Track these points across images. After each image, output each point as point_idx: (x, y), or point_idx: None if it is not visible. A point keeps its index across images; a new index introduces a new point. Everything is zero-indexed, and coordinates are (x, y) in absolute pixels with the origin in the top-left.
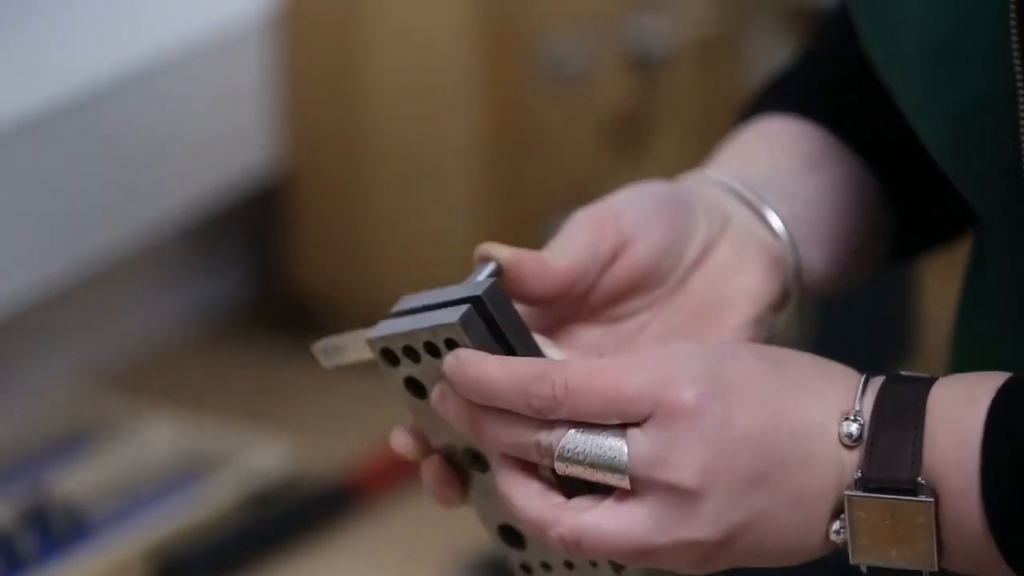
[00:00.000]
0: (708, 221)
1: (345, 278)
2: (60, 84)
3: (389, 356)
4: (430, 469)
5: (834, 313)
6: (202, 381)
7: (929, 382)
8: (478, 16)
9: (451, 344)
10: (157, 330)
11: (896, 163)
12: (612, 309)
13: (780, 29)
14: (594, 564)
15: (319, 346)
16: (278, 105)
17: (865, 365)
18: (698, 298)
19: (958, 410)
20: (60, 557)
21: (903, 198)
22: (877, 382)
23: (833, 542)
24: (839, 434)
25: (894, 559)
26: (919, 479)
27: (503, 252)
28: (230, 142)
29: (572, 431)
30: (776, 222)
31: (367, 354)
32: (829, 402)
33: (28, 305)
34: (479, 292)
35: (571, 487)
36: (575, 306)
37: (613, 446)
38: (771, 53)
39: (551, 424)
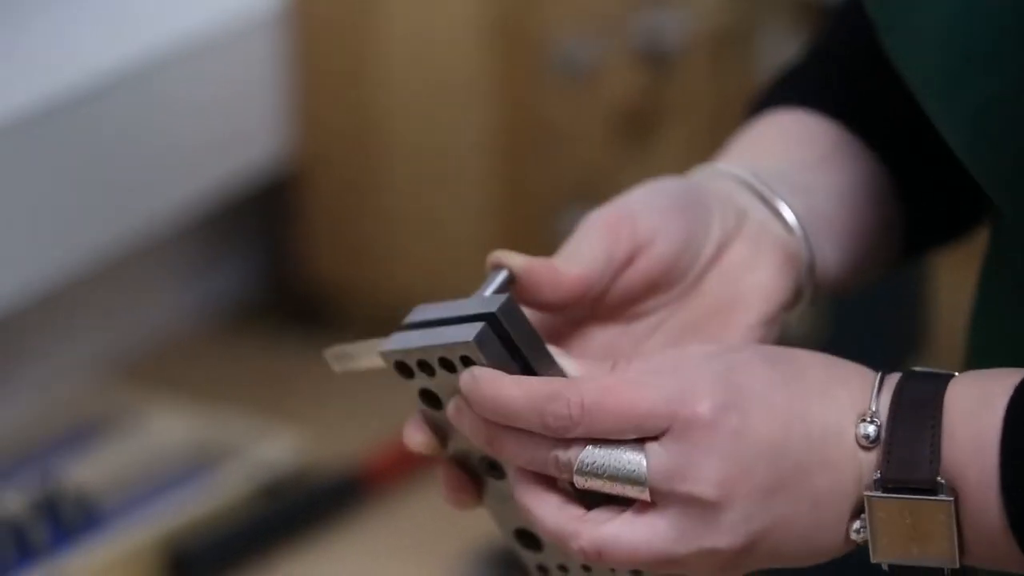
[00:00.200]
0: (723, 218)
1: (356, 271)
2: (74, 76)
3: (403, 369)
4: (445, 473)
5: (846, 308)
6: (213, 373)
7: (945, 379)
8: (490, 11)
9: (466, 361)
10: (169, 322)
11: (909, 157)
12: (627, 309)
13: (791, 23)
14: (612, 568)
15: (331, 352)
16: (290, 98)
17: (877, 360)
18: (712, 297)
19: (975, 408)
20: (71, 547)
21: (915, 193)
22: (893, 380)
23: (854, 541)
24: (856, 435)
25: (915, 557)
26: (938, 478)
27: (515, 260)
28: (242, 135)
29: (590, 446)
30: (790, 216)
31: (379, 362)
32: (844, 404)
33: (40, 297)
34: (493, 309)
35: (590, 497)
36: (590, 308)
37: (632, 460)
38: (782, 48)
39: (568, 441)
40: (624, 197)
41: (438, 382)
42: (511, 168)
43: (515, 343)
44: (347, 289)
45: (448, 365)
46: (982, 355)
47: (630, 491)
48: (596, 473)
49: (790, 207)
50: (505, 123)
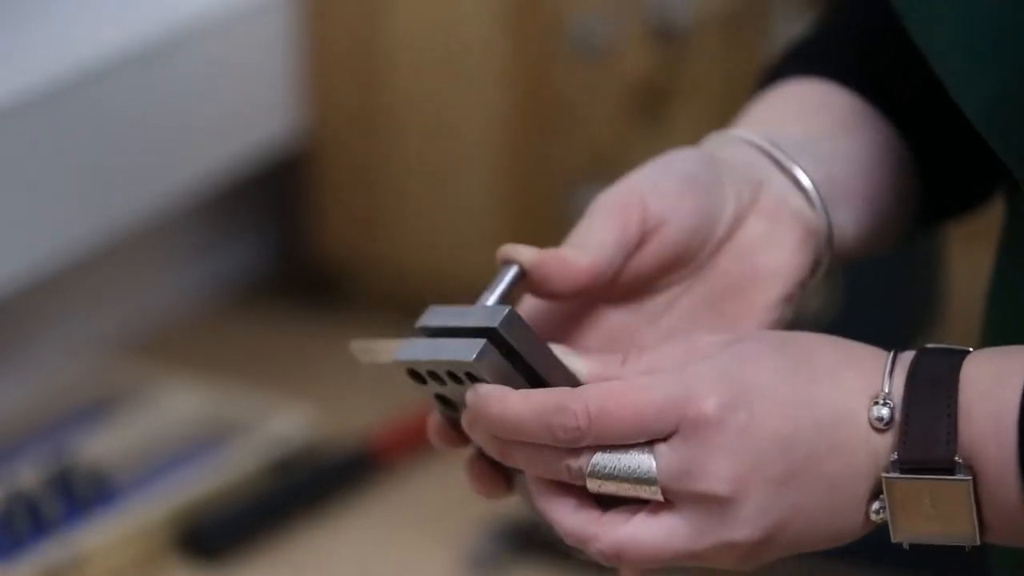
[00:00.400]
0: (737, 192)
1: (367, 248)
2: (85, 55)
3: (416, 376)
4: (475, 468)
5: (860, 282)
6: (224, 349)
7: (960, 356)
8: None
9: (471, 376)
10: (180, 298)
11: (925, 127)
12: (641, 289)
13: (803, 1)
14: None
15: (356, 345)
16: (301, 75)
17: (892, 333)
18: (728, 274)
19: (992, 386)
20: (84, 522)
21: (932, 163)
22: (906, 359)
23: (874, 522)
24: (869, 418)
25: (936, 536)
26: (956, 458)
27: (525, 255)
28: (254, 113)
29: (599, 452)
30: (808, 184)
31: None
32: (855, 387)
33: (53, 275)
34: (495, 324)
35: (607, 498)
36: (603, 291)
37: (642, 462)
38: (794, 25)
39: (578, 448)
40: (633, 176)
41: (450, 390)
42: (524, 145)
43: (518, 353)
44: (358, 265)
45: (455, 377)
46: (999, 329)
47: (643, 492)
48: (608, 477)
49: (808, 175)
50: (518, 100)
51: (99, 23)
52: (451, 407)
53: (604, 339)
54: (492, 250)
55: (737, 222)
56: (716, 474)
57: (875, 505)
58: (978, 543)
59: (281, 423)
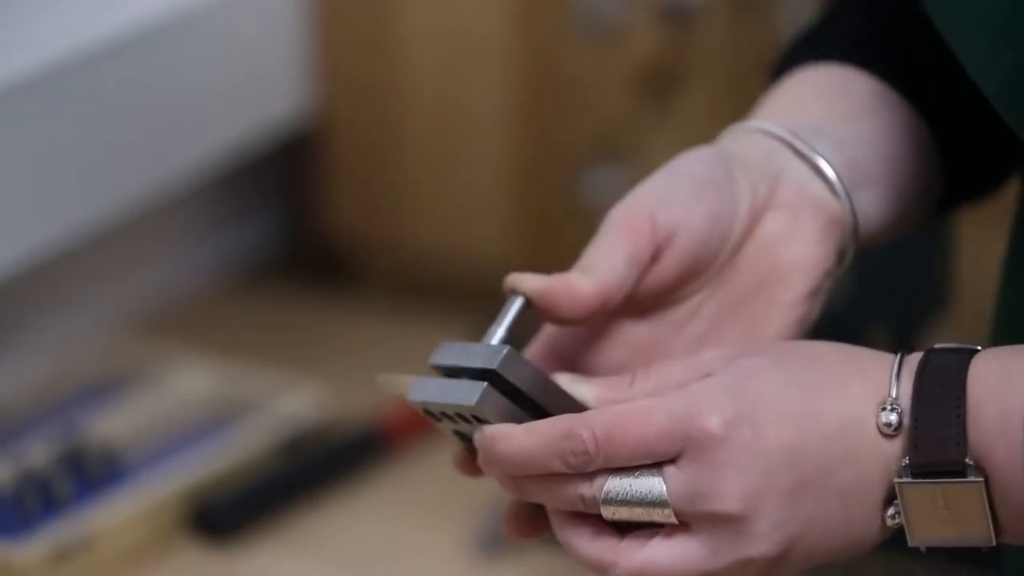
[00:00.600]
0: (753, 188)
1: (377, 227)
2: (95, 30)
3: (430, 414)
4: (513, 515)
5: (870, 266)
6: (235, 328)
7: (968, 356)
8: None
9: (477, 419)
10: (190, 277)
11: (945, 109)
12: (663, 299)
13: None
14: None
15: (382, 377)
16: (311, 52)
17: (901, 316)
18: (751, 274)
19: (999, 385)
20: (95, 500)
21: (953, 145)
22: (913, 362)
23: (890, 528)
24: (877, 424)
25: (952, 538)
26: (967, 460)
27: (529, 285)
28: (264, 89)
29: (611, 479)
30: (830, 174)
31: None
32: (862, 394)
33: (65, 252)
34: (494, 366)
35: (625, 524)
36: (622, 307)
37: (652, 487)
38: (803, 5)
39: (590, 476)
40: (641, 188)
41: (463, 428)
42: (533, 125)
43: (521, 390)
44: (368, 244)
45: (464, 418)
46: (1012, 312)
47: (657, 516)
48: (621, 503)
49: (829, 163)
50: (527, 81)
51: (107, 0)
52: (469, 441)
53: (630, 352)
54: (501, 230)
55: (754, 219)
56: (726, 493)
57: (890, 511)
58: (994, 543)
59: (291, 403)
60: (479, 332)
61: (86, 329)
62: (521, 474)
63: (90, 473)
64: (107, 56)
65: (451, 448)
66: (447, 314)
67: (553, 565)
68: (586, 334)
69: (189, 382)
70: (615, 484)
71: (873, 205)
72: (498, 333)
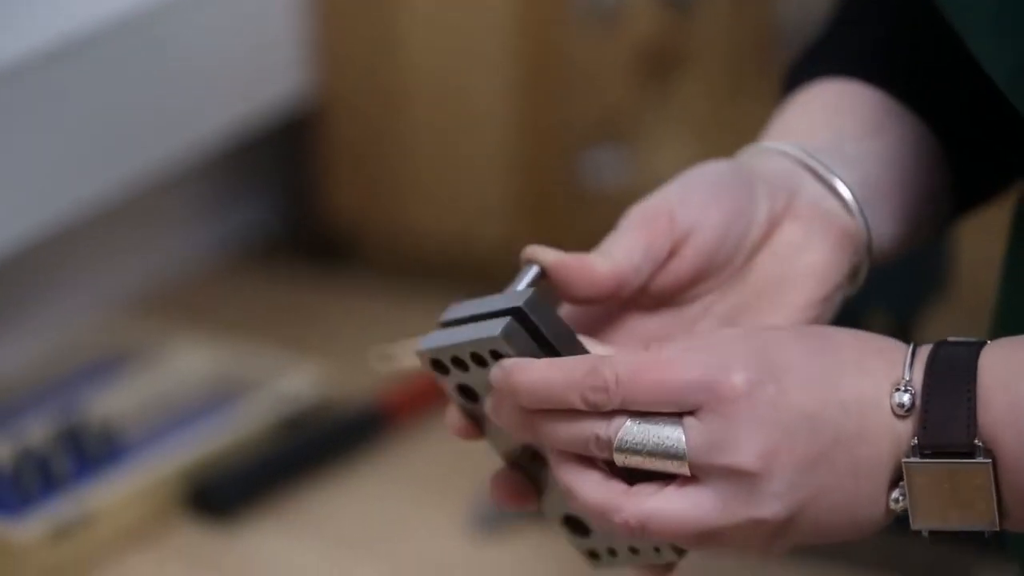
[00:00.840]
0: (771, 197)
1: (376, 208)
2: (96, 9)
3: (439, 366)
4: (501, 482)
5: None
6: (235, 307)
7: (979, 346)
8: None
9: (496, 355)
10: (190, 257)
11: (952, 118)
12: (676, 297)
13: None
14: (657, 550)
15: (374, 352)
16: (312, 33)
17: (900, 302)
18: (763, 278)
19: (1009, 372)
20: (94, 478)
21: (961, 155)
22: (926, 350)
23: (893, 512)
24: (891, 405)
25: (955, 522)
26: (976, 441)
27: (546, 256)
28: (263, 71)
29: (628, 423)
30: (846, 193)
31: (416, 362)
32: (878, 375)
33: (65, 231)
34: (520, 303)
35: (632, 476)
36: (634, 298)
37: (670, 435)
38: None
39: (607, 417)
40: (662, 190)
41: (473, 377)
42: (533, 108)
43: (543, 335)
44: (367, 225)
45: (480, 360)
46: (1015, 299)
47: (670, 466)
48: (635, 449)
49: (844, 182)
50: (528, 63)
51: None
52: (473, 399)
53: (638, 345)
54: (501, 212)
55: (772, 227)
56: (745, 447)
57: (895, 493)
58: (998, 528)
59: (290, 382)
60: None
61: (86, 308)
62: (537, 407)
63: (89, 452)
64: (107, 36)
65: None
66: (446, 295)
67: (551, 543)
68: (596, 321)
69: (189, 361)
70: (632, 428)
71: (886, 223)
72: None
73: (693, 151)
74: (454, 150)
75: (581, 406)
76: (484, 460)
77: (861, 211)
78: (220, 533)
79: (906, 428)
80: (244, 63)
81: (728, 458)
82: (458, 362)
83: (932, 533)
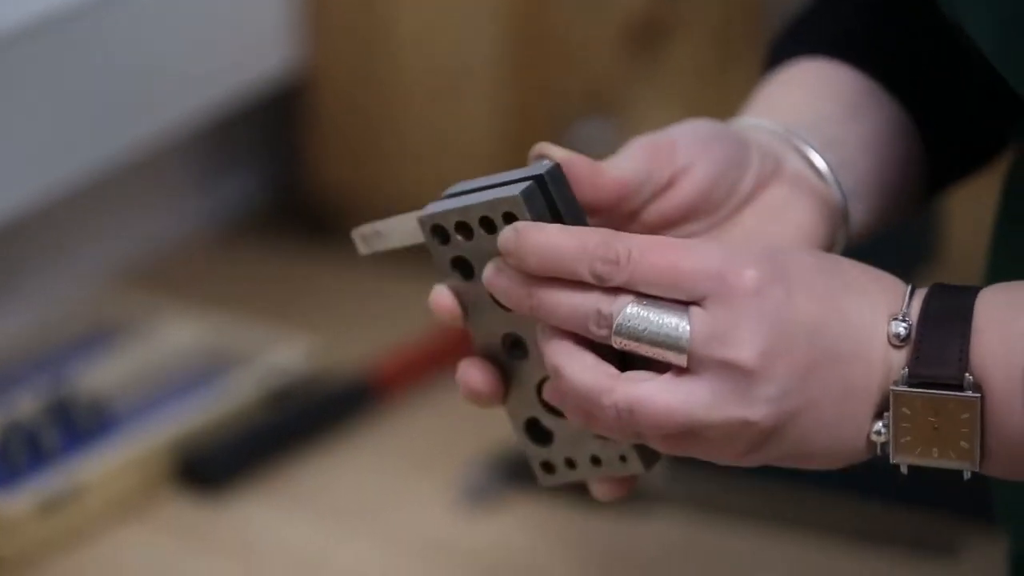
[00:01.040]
0: (761, 158)
1: (365, 180)
2: None
3: (440, 233)
4: (470, 368)
5: None
6: (224, 280)
7: (975, 289)
8: None
9: (508, 218)
10: (179, 229)
11: (929, 99)
12: (665, 231)
13: None
14: (623, 459)
15: (359, 231)
16: (299, 5)
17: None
18: (751, 233)
19: (1005, 313)
20: (83, 451)
21: (937, 136)
22: (924, 289)
23: (875, 444)
24: (888, 334)
25: (936, 458)
26: (966, 374)
27: (558, 151)
28: (252, 43)
29: (632, 305)
30: (823, 167)
31: (410, 239)
32: (879, 303)
33: (52, 204)
34: (542, 172)
35: (625, 365)
36: (624, 224)
37: (673, 322)
38: None
39: (612, 294)
40: (665, 129)
41: (475, 246)
42: (521, 79)
43: (559, 210)
44: (355, 197)
45: (489, 226)
46: (1003, 269)
47: (669, 355)
48: (636, 334)
49: (825, 161)
50: (516, 34)
51: None
52: (467, 275)
53: None
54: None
55: (759, 186)
56: (747, 343)
57: (878, 425)
58: (977, 467)
59: (280, 354)
60: None
61: (74, 281)
62: (544, 273)
63: (78, 424)
64: (94, 9)
65: (441, 399)
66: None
67: (541, 516)
68: None
69: (178, 334)
70: (636, 311)
71: (861, 206)
72: None
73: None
74: (442, 122)
75: (588, 278)
76: (475, 434)
77: (839, 185)
78: (209, 506)
79: (899, 359)
80: (231, 36)
81: (728, 352)
82: (463, 228)
83: (911, 469)
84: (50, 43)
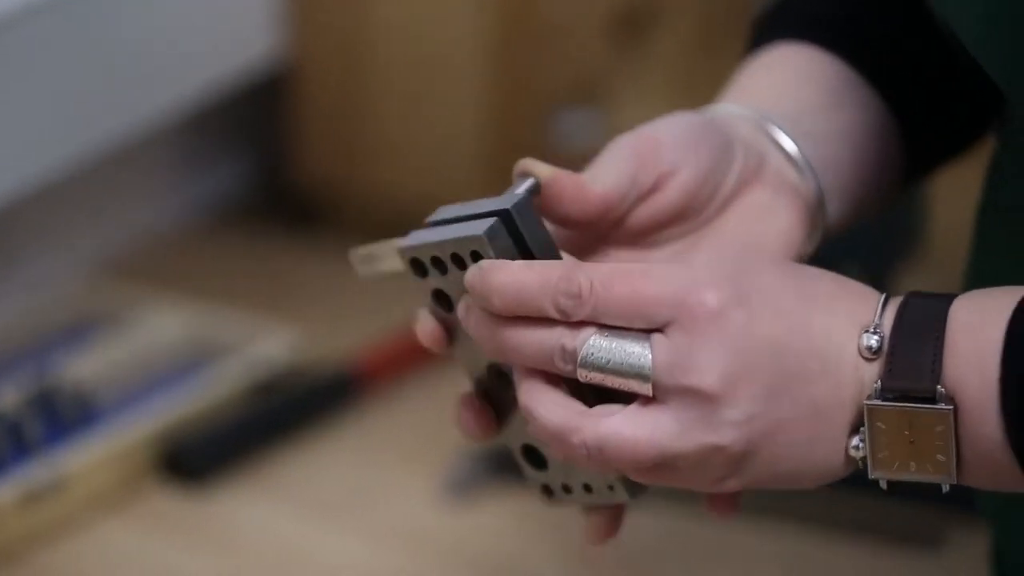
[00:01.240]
0: (745, 156)
1: (349, 170)
2: None
3: (418, 267)
4: (464, 410)
5: None
6: (208, 270)
7: (950, 297)
8: None
9: (476, 256)
10: (163, 220)
11: (908, 89)
12: (648, 236)
13: None
14: (611, 488)
15: (356, 254)
16: None
17: (873, 258)
18: (732, 236)
19: (978, 323)
20: (67, 443)
21: (915, 126)
22: (898, 298)
23: (853, 459)
24: (859, 347)
25: (913, 472)
26: (939, 387)
27: (542, 169)
28: (237, 33)
29: (595, 336)
30: (800, 160)
31: (399, 265)
32: (848, 316)
33: (36, 194)
34: (508, 206)
35: (593, 399)
36: (609, 231)
37: (636, 351)
38: None
39: (575, 328)
40: (649, 125)
41: (450, 281)
42: (506, 69)
43: (527, 242)
44: (340, 187)
45: (460, 262)
46: (987, 255)
47: (633, 385)
48: (600, 365)
49: (800, 151)
50: (500, 23)
51: None
52: (448, 306)
53: None
54: (474, 174)
55: (742, 185)
56: (707, 368)
57: (855, 440)
58: (955, 480)
59: (264, 345)
60: None
61: (58, 272)
62: (508, 312)
63: (62, 416)
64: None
65: (424, 391)
66: None
67: (525, 510)
68: (570, 251)
69: (162, 325)
70: (599, 342)
71: (837, 198)
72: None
73: (666, 112)
74: (427, 111)
75: (552, 312)
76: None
77: (817, 183)
78: (193, 497)
79: (872, 372)
80: (216, 25)
81: (690, 378)
82: (438, 263)
83: (890, 484)
84: (31, 33)
